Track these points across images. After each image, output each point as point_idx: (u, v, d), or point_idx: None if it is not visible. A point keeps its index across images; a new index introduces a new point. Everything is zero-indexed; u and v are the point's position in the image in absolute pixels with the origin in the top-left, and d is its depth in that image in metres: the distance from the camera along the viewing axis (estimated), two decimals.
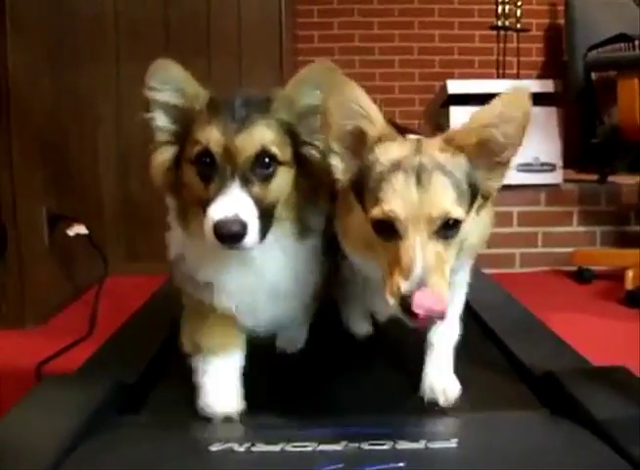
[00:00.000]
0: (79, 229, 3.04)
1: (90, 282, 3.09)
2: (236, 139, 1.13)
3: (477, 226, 1.15)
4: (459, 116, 3.57)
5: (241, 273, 1.23)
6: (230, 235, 1.07)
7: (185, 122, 1.20)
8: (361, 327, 1.58)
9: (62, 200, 3.03)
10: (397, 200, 1.04)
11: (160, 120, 1.22)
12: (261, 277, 1.24)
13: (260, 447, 1.08)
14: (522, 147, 1.13)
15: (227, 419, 1.23)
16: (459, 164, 1.09)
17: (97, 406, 1.20)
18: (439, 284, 1.00)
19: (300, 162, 1.22)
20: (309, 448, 1.08)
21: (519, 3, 4.78)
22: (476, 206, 1.13)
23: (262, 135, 1.15)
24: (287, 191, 1.20)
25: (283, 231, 1.22)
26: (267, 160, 1.15)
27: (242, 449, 1.08)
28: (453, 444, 1.09)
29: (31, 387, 1.30)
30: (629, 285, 3.02)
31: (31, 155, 2.77)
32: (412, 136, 1.21)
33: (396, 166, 1.07)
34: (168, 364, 1.52)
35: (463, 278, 1.35)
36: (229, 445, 1.09)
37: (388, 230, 1.05)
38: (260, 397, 1.31)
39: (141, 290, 2.12)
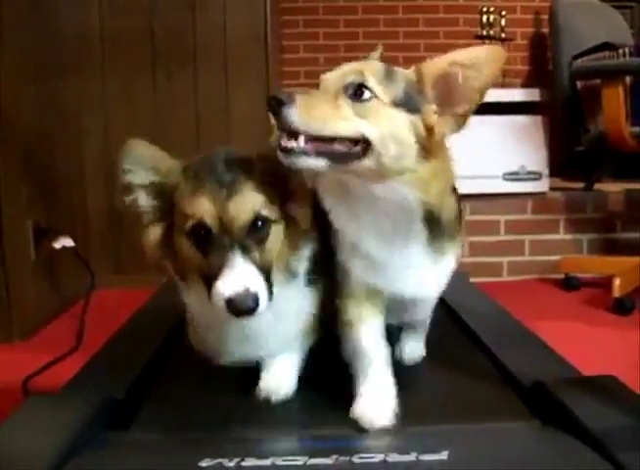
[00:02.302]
0: (66, 242, 3.03)
1: (77, 295, 3.08)
2: (229, 207, 1.12)
3: (427, 164, 1.15)
4: None
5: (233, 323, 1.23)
6: (244, 310, 1.08)
7: (166, 197, 1.20)
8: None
9: (48, 213, 3.02)
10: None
11: (142, 200, 1.22)
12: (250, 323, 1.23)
13: (250, 462, 1.07)
14: (478, 103, 1.16)
15: None
16: (406, 73, 1.19)
17: (85, 424, 1.19)
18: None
19: (284, 215, 1.22)
20: (300, 462, 1.07)
21: (503, 12, 4.80)
22: (412, 117, 1.14)
23: (253, 199, 1.15)
24: (279, 246, 1.21)
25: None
26: (260, 223, 1.15)
27: (232, 465, 1.07)
28: (444, 456, 1.08)
29: (17, 405, 1.28)
30: (617, 292, 3.03)
31: (17, 168, 2.76)
32: None
33: None
34: (158, 379, 1.51)
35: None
36: (219, 460, 1.08)
37: None
38: (250, 410, 1.30)
39: (128, 303, 2.11)
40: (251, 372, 1.38)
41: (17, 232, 2.74)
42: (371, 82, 1.12)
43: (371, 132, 1.10)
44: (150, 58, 3.49)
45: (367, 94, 1.11)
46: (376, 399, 1.26)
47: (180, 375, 1.52)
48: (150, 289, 2.20)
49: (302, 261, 1.28)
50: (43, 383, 2.08)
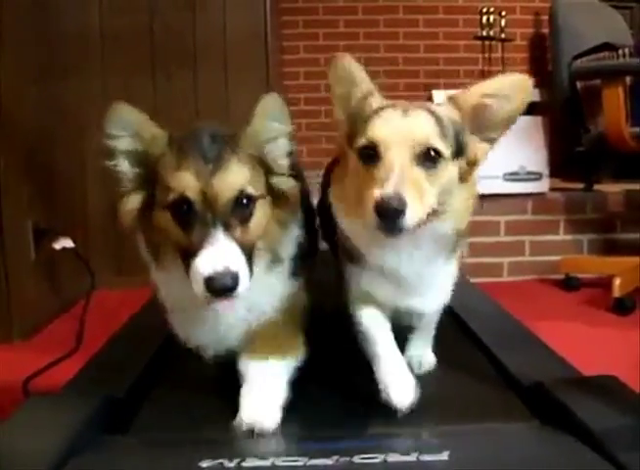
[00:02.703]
0: (66, 243, 3.03)
1: (77, 296, 3.07)
2: (213, 183, 1.09)
3: (460, 193, 1.18)
4: None
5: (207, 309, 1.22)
6: (224, 289, 1.05)
7: (149, 167, 1.17)
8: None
9: (48, 213, 3.01)
10: (382, 126, 1.12)
11: (124, 167, 1.19)
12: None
13: (251, 463, 1.07)
14: (509, 131, 1.21)
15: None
16: (450, 114, 1.17)
17: (85, 424, 1.19)
18: (412, 195, 1.05)
19: (271, 191, 1.21)
20: (300, 463, 1.07)
21: (503, 13, 4.81)
22: (460, 164, 1.17)
23: (238, 176, 1.12)
24: (264, 224, 1.18)
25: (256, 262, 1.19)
26: (245, 200, 1.13)
27: (232, 465, 1.07)
28: (444, 456, 1.08)
29: (17, 406, 1.28)
30: (616, 292, 3.02)
31: (18, 169, 2.76)
32: None
33: (386, 106, 1.16)
34: (157, 379, 1.51)
35: (450, 275, 1.37)
36: (220, 460, 1.08)
37: (372, 156, 1.11)
38: None
39: (128, 303, 2.11)
40: None
41: (17, 232, 2.74)
42: (440, 146, 1.11)
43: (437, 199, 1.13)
44: (149, 58, 3.48)
45: (435, 157, 1.12)
46: (398, 381, 1.28)
47: (180, 376, 1.52)
48: (150, 289, 2.20)
49: (288, 244, 1.27)
50: (43, 383, 2.08)
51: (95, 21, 3.51)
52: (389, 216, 1.03)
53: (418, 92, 4.89)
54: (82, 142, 3.53)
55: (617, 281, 3.04)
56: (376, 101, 1.20)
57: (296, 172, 1.29)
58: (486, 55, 4.84)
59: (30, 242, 2.84)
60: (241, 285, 1.06)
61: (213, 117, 3.46)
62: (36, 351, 2.53)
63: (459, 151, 1.16)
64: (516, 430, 1.22)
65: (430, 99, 3.76)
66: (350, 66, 1.22)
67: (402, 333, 1.47)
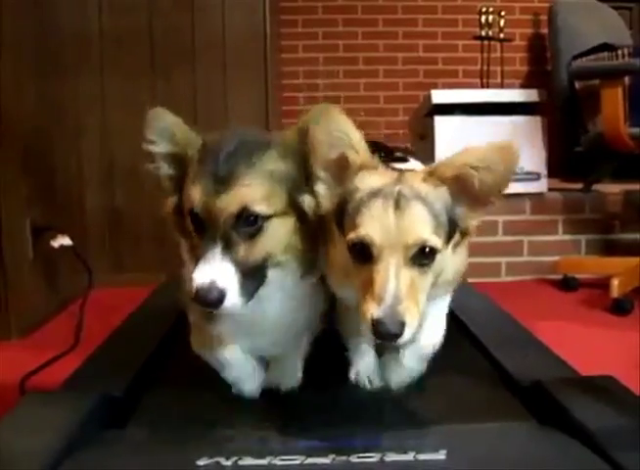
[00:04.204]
0: (64, 241, 3.03)
1: (75, 294, 3.07)
2: (217, 200, 1.11)
3: (452, 262, 1.16)
4: (443, 125, 3.59)
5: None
6: (207, 302, 1.08)
7: (183, 169, 1.21)
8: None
9: (46, 211, 3.01)
10: (374, 224, 1.05)
11: (164, 169, 1.25)
12: (262, 313, 1.25)
13: (248, 461, 1.08)
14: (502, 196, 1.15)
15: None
16: (440, 195, 1.10)
17: (82, 422, 1.19)
18: (410, 311, 1.01)
19: (299, 207, 1.19)
20: (297, 462, 1.07)
21: (502, 13, 4.81)
22: (454, 241, 1.14)
23: (244, 194, 1.12)
24: (282, 241, 1.18)
25: (285, 273, 1.22)
26: (252, 218, 1.13)
27: (229, 463, 1.07)
28: (442, 455, 1.08)
29: (15, 404, 1.28)
30: (615, 293, 3.02)
31: (16, 166, 2.75)
32: (397, 165, 1.23)
33: (375, 193, 1.08)
34: (155, 377, 1.51)
35: (441, 312, 1.37)
36: (216, 459, 1.08)
37: (364, 254, 1.06)
38: (248, 409, 1.30)
39: (126, 301, 2.11)
40: None
41: (15, 230, 2.74)
42: (435, 242, 1.05)
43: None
44: (149, 57, 3.48)
45: (430, 254, 1.06)
46: (365, 365, 1.40)
47: (178, 373, 1.52)
48: (148, 287, 2.20)
49: (318, 257, 1.25)
50: (41, 381, 2.08)
51: (94, 20, 3.50)
52: (387, 339, 1.02)
53: (417, 91, 4.89)
54: (81, 140, 3.53)
55: (616, 281, 3.04)
56: (365, 180, 1.12)
57: None
58: (485, 55, 4.84)
59: (28, 240, 2.84)
60: (228, 300, 1.09)
61: (212, 116, 3.47)
62: (34, 348, 2.53)
63: (452, 230, 1.12)
64: (513, 429, 1.22)
65: (428, 98, 3.76)
66: (345, 125, 1.12)
67: None
